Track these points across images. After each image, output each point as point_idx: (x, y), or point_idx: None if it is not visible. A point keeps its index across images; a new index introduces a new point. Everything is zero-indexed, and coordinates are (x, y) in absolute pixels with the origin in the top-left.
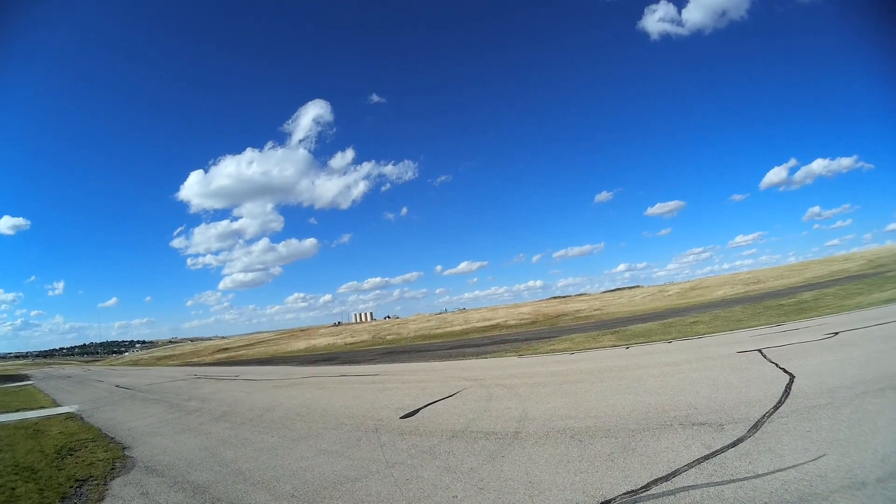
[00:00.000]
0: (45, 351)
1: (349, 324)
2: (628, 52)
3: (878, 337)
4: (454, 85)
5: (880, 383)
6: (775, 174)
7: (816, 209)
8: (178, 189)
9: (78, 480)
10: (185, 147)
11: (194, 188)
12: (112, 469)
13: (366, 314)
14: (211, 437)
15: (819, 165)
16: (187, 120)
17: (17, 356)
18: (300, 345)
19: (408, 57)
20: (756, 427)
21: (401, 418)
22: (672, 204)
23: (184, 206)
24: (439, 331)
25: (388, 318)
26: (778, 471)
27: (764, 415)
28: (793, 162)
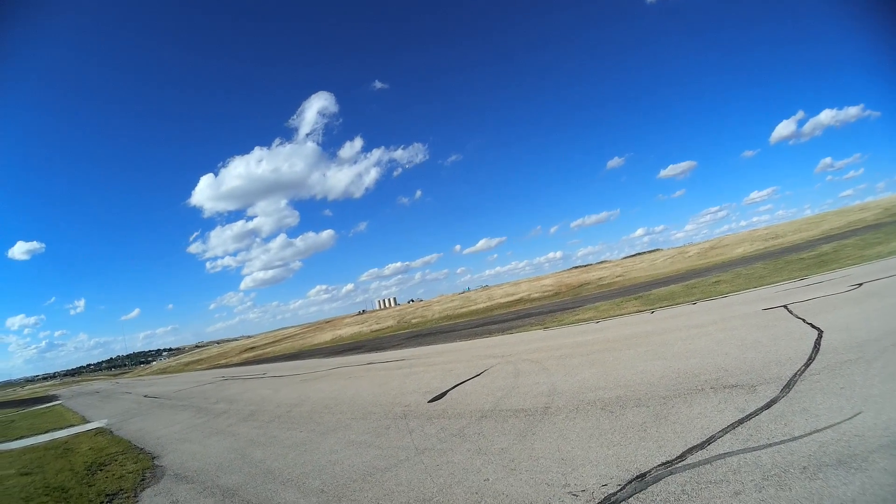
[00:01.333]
0: (72, 369)
1: (373, 311)
2: (628, 18)
3: None
4: (457, 64)
5: None
6: (784, 127)
7: (828, 160)
8: (189, 195)
9: (108, 495)
10: (193, 152)
11: (206, 192)
12: (142, 480)
13: (389, 300)
14: (239, 438)
15: (827, 116)
16: (192, 125)
17: (45, 377)
18: (326, 336)
19: (407, 40)
20: (789, 386)
21: (429, 402)
22: (684, 165)
23: (197, 211)
24: (463, 310)
25: (412, 301)
26: (814, 432)
27: (795, 373)
28: (800, 114)
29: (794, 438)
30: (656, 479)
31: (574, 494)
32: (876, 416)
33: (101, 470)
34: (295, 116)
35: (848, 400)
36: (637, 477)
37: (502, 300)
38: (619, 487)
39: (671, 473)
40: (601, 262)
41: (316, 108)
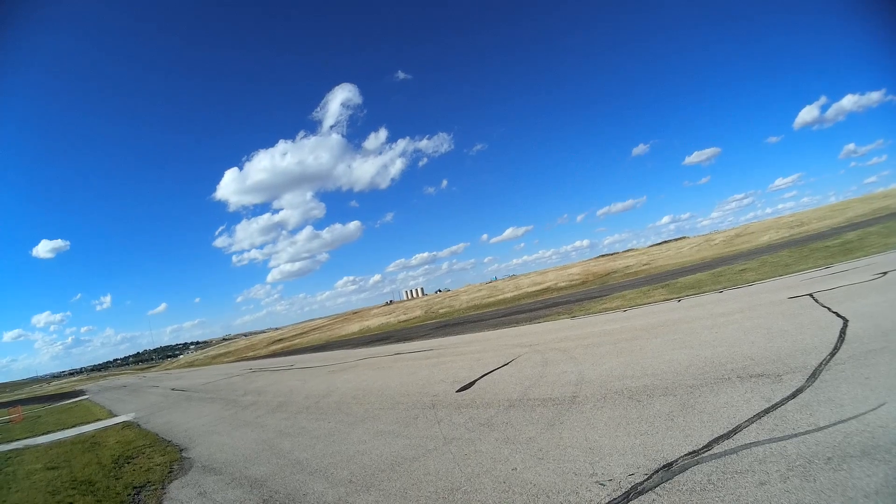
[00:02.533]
0: (99, 364)
1: (401, 301)
2: (653, 5)
3: None
4: (480, 52)
5: None
6: (807, 113)
7: (852, 146)
8: (214, 189)
9: (135, 488)
10: (217, 147)
11: (231, 186)
12: (169, 472)
13: (416, 290)
14: (267, 430)
15: (849, 101)
16: (215, 121)
17: (72, 373)
18: (353, 327)
19: (430, 30)
20: (814, 376)
21: (457, 392)
22: (709, 151)
23: (222, 205)
24: (491, 299)
25: (440, 291)
26: (839, 422)
27: (821, 362)
28: (823, 100)
29: (819, 429)
30: (682, 469)
31: (601, 483)
32: None
33: (128, 463)
34: (319, 109)
35: (873, 390)
36: (663, 466)
37: (529, 289)
38: (645, 477)
39: (697, 463)
40: (628, 251)
41: (340, 99)
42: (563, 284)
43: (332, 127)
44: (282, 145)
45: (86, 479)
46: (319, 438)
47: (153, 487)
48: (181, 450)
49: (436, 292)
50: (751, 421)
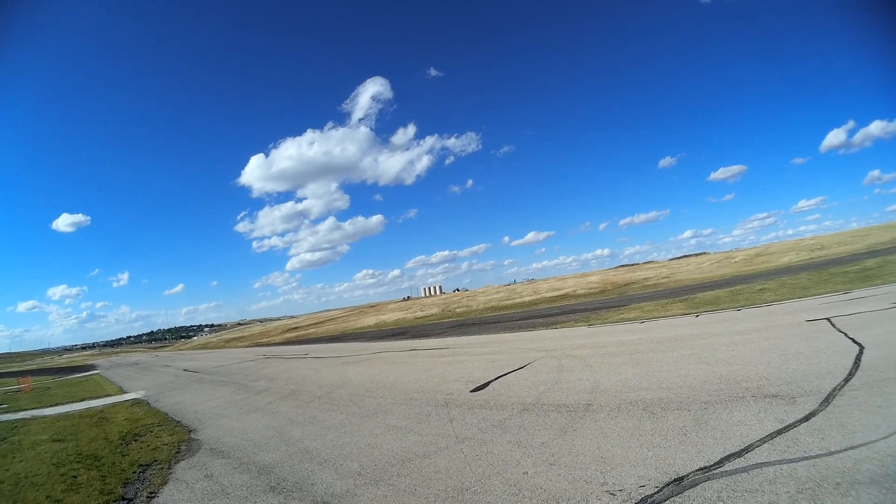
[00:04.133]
0: (111, 340)
1: (418, 298)
2: (683, 18)
3: None
4: (513, 55)
5: None
6: (835, 136)
7: (876, 173)
8: (238, 174)
9: (142, 465)
10: (245, 132)
11: (255, 172)
12: (177, 452)
13: (435, 287)
14: (278, 417)
15: (877, 127)
16: (245, 106)
17: (84, 347)
18: (369, 321)
19: (464, 28)
20: (828, 401)
21: (471, 392)
22: (735, 168)
23: (246, 190)
24: (508, 302)
25: (457, 290)
26: (850, 448)
27: (835, 387)
28: (851, 124)
29: (830, 453)
30: (693, 484)
31: (612, 493)
32: None
33: (135, 440)
34: (348, 101)
35: (885, 419)
36: (675, 480)
37: (547, 294)
38: (656, 489)
39: (708, 479)
40: (648, 262)
41: (370, 92)
42: (581, 292)
43: (360, 120)
44: (309, 135)
45: (91, 454)
46: (330, 429)
47: (159, 466)
48: (190, 431)
49: (454, 291)
50: (763, 441)
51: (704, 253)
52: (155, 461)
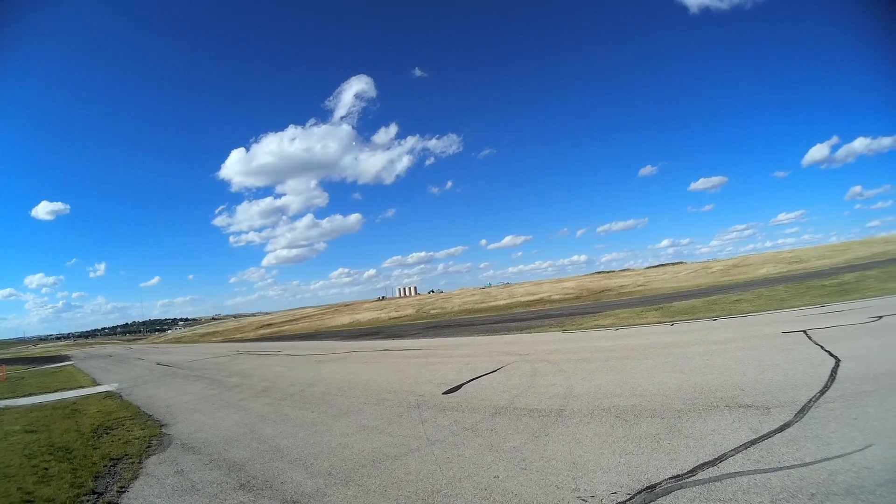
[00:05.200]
0: (87, 331)
1: (393, 298)
2: (668, 26)
3: None
4: (498, 59)
5: None
6: (818, 151)
7: (858, 189)
8: (219, 168)
9: (112, 459)
10: (226, 126)
11: (236, 166)
12: (148, 447)
13: (410, 288)
14: (250, 414)
15: (861, 144)
16: (227, 99)
17: (59, 337)
18: (344, 319)
19: (451, 30)
20: (803, 412)
21: (443, 394)
22: (715, 179)
23: (225, 184)
24: (483, 305)
25: (433, 292)
26: (825, 460)
27: (810, 399)
28: (835, 139)
29: (805, 464)
30: (666, 492)
31: (583, 499)
32: (887, 451)
33: (107, 433)
34: (332, 97)
35: (861, 431)
36: (647, 488)
37: (523, 299)
38: (628, 496)
39: (681, 487)
40: (624, 270)
41: (354, 90)
42: (556, 297)
43: (343, 117)
44: (291, 130)
45: (63, 446)
46: (302, 427)
47: (130, 461)
48: (161, 425)
49: (429, 293)
50: (737, 450)
51: (681, 262)
52: (126, 455)
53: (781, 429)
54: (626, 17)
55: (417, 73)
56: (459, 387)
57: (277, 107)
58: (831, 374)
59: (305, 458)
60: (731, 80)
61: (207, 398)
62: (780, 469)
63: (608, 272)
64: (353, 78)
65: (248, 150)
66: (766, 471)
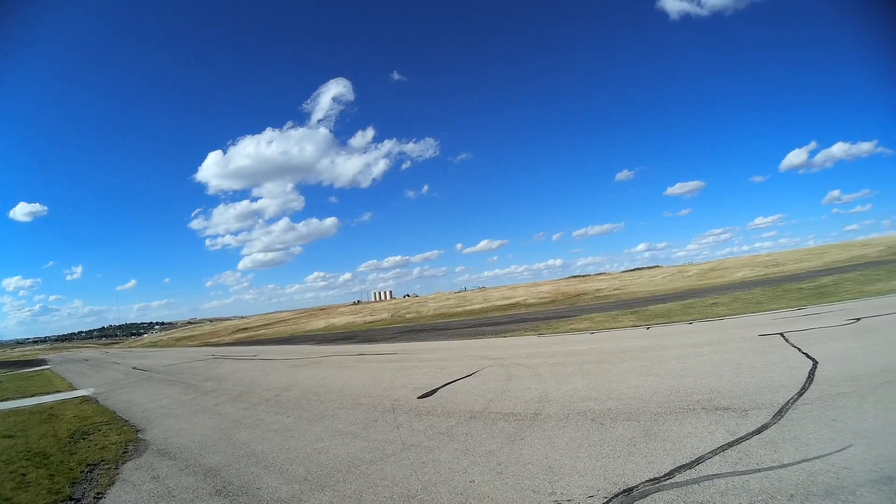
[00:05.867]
0: (63, 335)
1: (369, 302)
2: (648, 31)
3: None
4: (475, 63)
5: None
6: (796, 156)
7: (836, 193)
8: (195, 170)
9: (89, 465)
10: (203, 128)
11: (213, 169)
12: (124, 452)
13: (385, 292)
14: (226, 419)
15: (839, 149)
16: (205, 101)
17: (36, 341)
18: (319, 324)
19: (429, 34)
20: (780, 414)
21: (418, 398)
22: (693, 184)
23: (202, 187)
24: (459, 309)
25: (408, 296)
26: (804, 461)
27: (788, 401)
28: (813, 144)
29: (784, 466)
30: (643, 495)
31: (559, 503)
32: (866, 451)
33: (83, 439)
34: (309, 101)
35: (839, 432)
36: (624, 491)
37: (498, 303)
38: (605, 500)
39: (658, 490)
40: (600, 274)
41: (332, 93)
42: (532, 301)
43: (320, 120)
44: (268, 133)
45: (41, 452)
46: (277, 432)
47: (107, 466)
48: (137, 430)
49: (404, 296)
50: (714, 453)
51: (658, 266)
52: (102, 461)
53: (759, 431)
54: (605, 22)
55: (396, 76)
56: (435, 391)
57: (255, 109)
58: (809, 376)
59: (281, 463)
60: (710, 86)
61: (183, 403)
62: (759, 471)
63: (584, 276)
64: (331, 81)
65: (225, 152)
66: (743, 473)
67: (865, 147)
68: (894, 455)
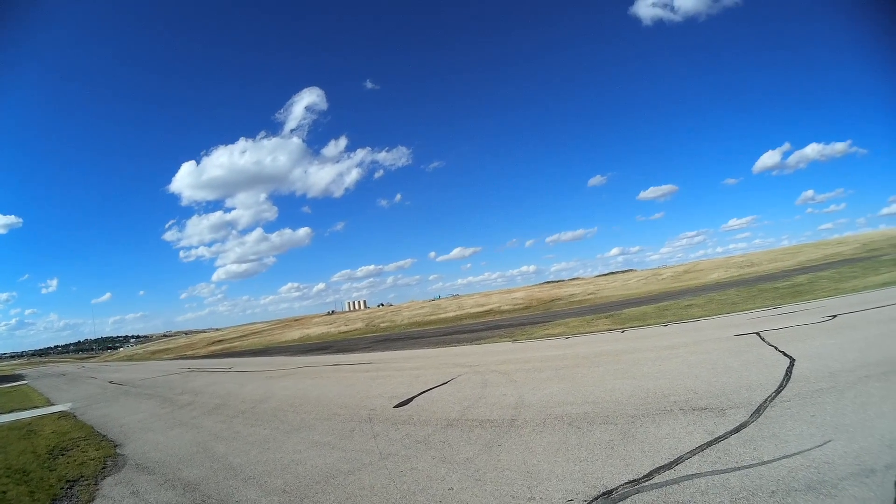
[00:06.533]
0: (40, 349)
1: (343, 312)
2: (621, 37)
3: (877, 320)
4: (448, 71)
5: (883, 367)
6: (769, 158)
7: (810, 193)
8: (169, 181)
9: (69, 481)
10: (177, 139)
11: (186, 180)
12: (103, 468)
13: (359, 302)
14: (203, 432)
15: (813, 150)
16: (178, 111)
17: (13, 356)
18: (294, 334)
19: (402, 43)
20: (758, 412)
21: (394, 407)
22: (666, 188)
23: (175, 198)
24: (433, 317)
25: (382, 305)
26: (784, 457)
27: (766, 399)
28: (787, 146)
29: (763, 463)
30: (623, 497)
31: None
32: (847, 445)
33: (62, 455)
34: (282, 110)
35: (819, 428)
36: (603, 494)
37: (472, 310)
38: (584, 503)
39: (638, 492)
40: (574, 279)
41: (305, 102)
42: (506, 308)
43: (293, 130)
44: (242, 143)
45: (20, 468)
46: (254, 445)
47: (86, 482)
48: (116, 445)
49: (378, 306)
50: (693, 453)
51: (632, 270)
52: (82, 476)
53: (737, 429)
54: (578, 28)
55: (369, 84)
56: (411, 400)
57: (228, 119)
58: (786, 374)
59: (259, 475)
60: (683, 90)
61: (160, 416)
62: (739, 469)
63: (558, 281)
64: (304, 90)
65: (198, 162)
66: (723, 471)
67: (839, 147)
68: (875, 448)
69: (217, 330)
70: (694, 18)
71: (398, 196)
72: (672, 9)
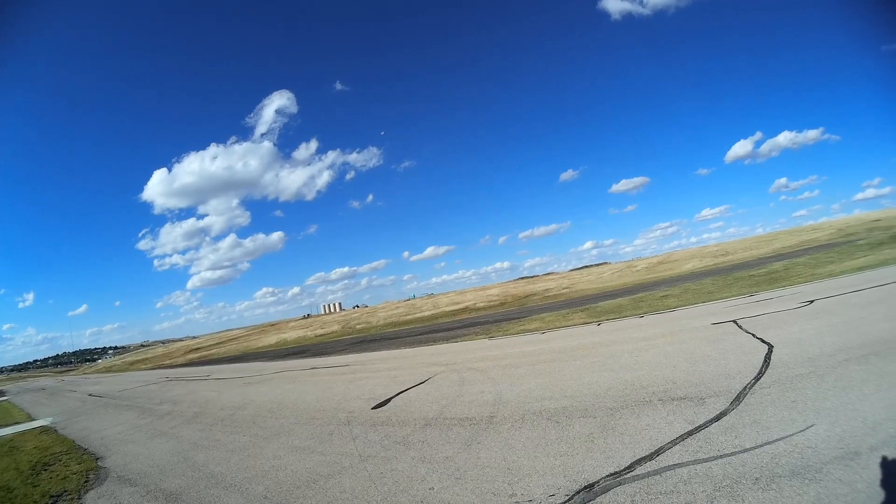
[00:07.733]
0: (19, 364)
1: (318, 315)
2: (590, 31)
3: (856, 304)
4: (417, 70)
5: (862, 350)
6: (741, 147)
7: (783, 181)
8: (141, 190)
9: (53, 496)
10: (147, 146)
11: (158, 188)
12: (86, 482)
13: (334, 304)
14: (182, 441)
15: (785, 138)
16: (148, 119)
17: None
18: (270, 340)
19: (371, 44)
20: (738, 399)
21: (372, 409)
22: (637, 180)
23: (148, 206)
24: (409, 317)
25: (357, 307)
26: (766, 444)
27: (745, 386)
28: (758, 135)
29: (746, 450)
30: (605, 490)
31: None
32: (829, 429)
33: (45, 470)
34: (253, 114)
35: (800, 413)
36: (585, 487)
37: (448, 308)
38: (566, 497)
39: (620, 484)
40: (548, 274)
41: (275, 106)
42: (481, 305)
43: (263, 134)
44: (213, 149)
45: (4, 485)
46: (234, 452)
47: (70, 497)
48: (97, 458)
49: (353, 307)
50: (674, 443)
51: (606, 263)
52: (65, 491)
53: (718, 418)
54: (547, 24)
55: (339, 86)
56: (388, 400)
57: (200, 125)
58: (765, 361)
59: (240, 482)
60: (653, 82)
61: (140, 427)
62: (721, 457)
63: (532, 277)
64: (274, 93)
65: (170, 170)
66: (705, 460)
67: (812, 135)
68: (859, 431)
69: (194, 338)
70: (663, 12)
71: (370, 197)
72: (641, 2)
